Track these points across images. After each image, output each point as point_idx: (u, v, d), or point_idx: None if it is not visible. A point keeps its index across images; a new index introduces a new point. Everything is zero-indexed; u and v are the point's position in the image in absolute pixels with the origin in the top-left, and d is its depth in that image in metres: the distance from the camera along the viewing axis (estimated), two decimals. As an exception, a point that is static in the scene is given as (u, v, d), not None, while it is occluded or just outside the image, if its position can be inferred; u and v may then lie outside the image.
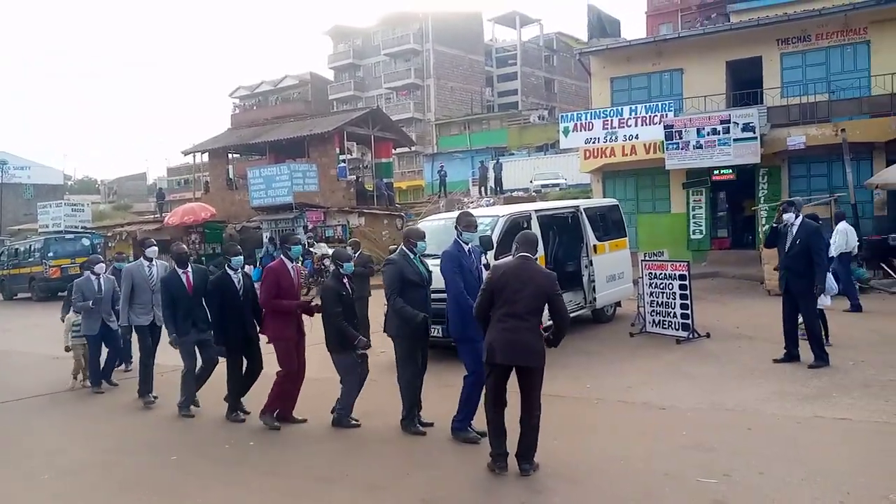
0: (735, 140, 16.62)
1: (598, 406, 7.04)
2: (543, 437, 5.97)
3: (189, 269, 7.52)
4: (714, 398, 6.93)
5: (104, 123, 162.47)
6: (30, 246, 24.67)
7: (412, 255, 6.29)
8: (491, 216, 9.86)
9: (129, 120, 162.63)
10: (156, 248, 8.47)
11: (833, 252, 11.15)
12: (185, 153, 34.56)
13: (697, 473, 4.95)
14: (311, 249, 21.27)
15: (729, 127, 16.66)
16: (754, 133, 16.47)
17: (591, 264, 10.88)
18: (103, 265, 9.26)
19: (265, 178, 25.73)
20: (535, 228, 10.02)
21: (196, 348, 7.45)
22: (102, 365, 9.05)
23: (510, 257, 5.30)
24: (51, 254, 23.21)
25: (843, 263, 11.56)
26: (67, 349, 9.28)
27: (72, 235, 25.13)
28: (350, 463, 5.74)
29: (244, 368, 7.16)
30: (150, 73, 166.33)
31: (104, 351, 9.08)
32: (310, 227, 24.16)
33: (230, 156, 34.15)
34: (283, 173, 25.29)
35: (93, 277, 8.93)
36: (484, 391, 5.39)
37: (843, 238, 11.72)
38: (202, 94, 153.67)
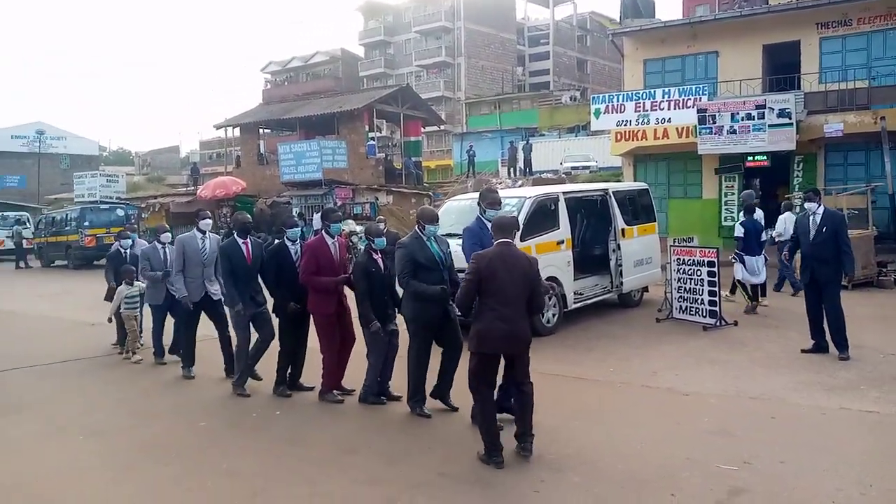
0: (770, 126, 16.30)
1: (621, 390, 7.05)
2: (564, 417, 6.03)
3: (249, 239, 7.31)
4: (739, 386, 6.90)
5: (139, 95, 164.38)
6: (66, 215, 25.19)
7: (424, 238, 6.17)
8: (517, 197, 9.84)
9: (164, 92, 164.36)
10: (210, 221, 7.99)
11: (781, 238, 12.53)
12: (217, 127, 34.89)
13: (718, 459, 4.96)
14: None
15: (764, 112, 16.35)
16: (790, 119, 16.14)
17: (619, 248, 10.82)
18: (169, 234, 8.93)
19: (295, 153, 25.95)
20: (563, 211, 10.00)
21: (251, 323, 7.21)
22: (172, 336, 8.80)
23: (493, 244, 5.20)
24: (86, 223, 23.70)
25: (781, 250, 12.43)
26: (110, 320, 9.31)
27: (107, 206, 25.61)
28: (373, 435, 5.84)
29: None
30: (185, 46, 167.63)
31: (169, 322, 8.77)
32: (338, 203, 24.30)
33: (261, 131, 34.40)
34: (312, 149, 25.48)
35: (159, 246, 8.71)
36: (476, 384, 5.18)
37: (782, 226, 12.83)
38: (236, 67, 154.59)
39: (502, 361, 5.25)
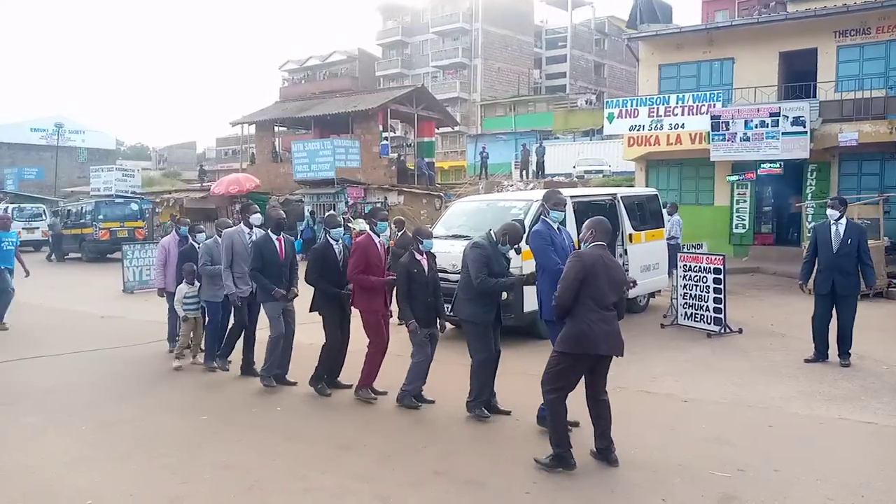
0: (784, 134, 16.22)
1: (618, 395, 6.94)
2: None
3: (282, 235, 7.37)
4: (739, 393, 6.89)
5: (159, 91, 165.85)
6: (81, 208, 25.39)
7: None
8: (524, 200, 9.85)
9: (183, 89, 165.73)
10: (260, 216, 7.76)
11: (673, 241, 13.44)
12: (233, 124, 35.05)
13: (711, 466, 4.97)
14: (349, 225, 21.52)
15: (778, 120, 16.26)
16: (804, 127, 16.04)
17: (626, 253, 10.80)
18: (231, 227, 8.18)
19: (309, 152, 26.05)
20: (570, 215, 9.99)
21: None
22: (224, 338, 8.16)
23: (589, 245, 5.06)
24: (101, 216, 23.87)
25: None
26: (185, 319, 8.40)
27: (121, 200, 25.81)
28: (371, 433, 5.89)
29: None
30: (205, 43, 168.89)
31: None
32: (350, 202, 24.40)
33: (276, 129, 34.56)
34: (326, 148, 25.57)
35: (221, 241, 7.99)
36: (559, 384, 5.01)
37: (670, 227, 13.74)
38: (255, 65, 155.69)
39: None
